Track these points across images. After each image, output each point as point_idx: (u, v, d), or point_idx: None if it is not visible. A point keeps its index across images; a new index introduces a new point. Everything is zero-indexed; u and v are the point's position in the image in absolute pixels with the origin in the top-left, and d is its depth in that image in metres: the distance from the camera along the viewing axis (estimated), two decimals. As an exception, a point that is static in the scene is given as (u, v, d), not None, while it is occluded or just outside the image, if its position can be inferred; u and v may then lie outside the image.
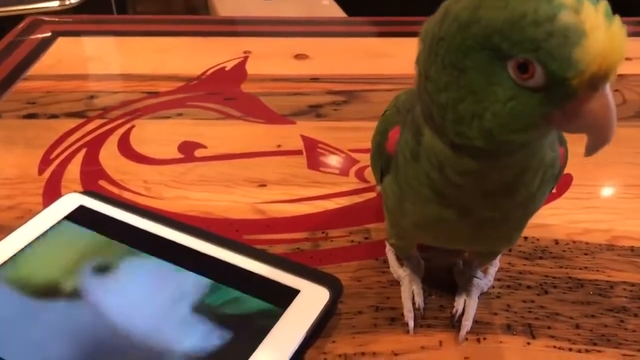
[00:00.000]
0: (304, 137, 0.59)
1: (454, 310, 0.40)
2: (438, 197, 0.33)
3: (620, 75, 0.69)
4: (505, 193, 0.32)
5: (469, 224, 0.34)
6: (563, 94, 0.25)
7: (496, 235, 0.36)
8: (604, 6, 0.25)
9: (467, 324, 0.39)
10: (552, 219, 0.48)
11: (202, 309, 0.38)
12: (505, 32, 0.25)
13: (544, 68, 0.25)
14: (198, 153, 0.57)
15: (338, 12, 1.62)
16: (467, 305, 0.40)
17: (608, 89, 0.25)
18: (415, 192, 0.34)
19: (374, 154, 0.39)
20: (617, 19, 0.25)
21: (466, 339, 0.39)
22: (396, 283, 0.42)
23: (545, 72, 0.25)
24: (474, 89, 0.27)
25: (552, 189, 0.36)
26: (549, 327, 0.39)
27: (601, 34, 0.24)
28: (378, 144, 0.38)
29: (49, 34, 0.81)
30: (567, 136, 0.35)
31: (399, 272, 0.42)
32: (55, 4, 1.54)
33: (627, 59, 0.77)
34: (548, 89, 0.25)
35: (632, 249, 0.46)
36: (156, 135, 0.60)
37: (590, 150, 0.27)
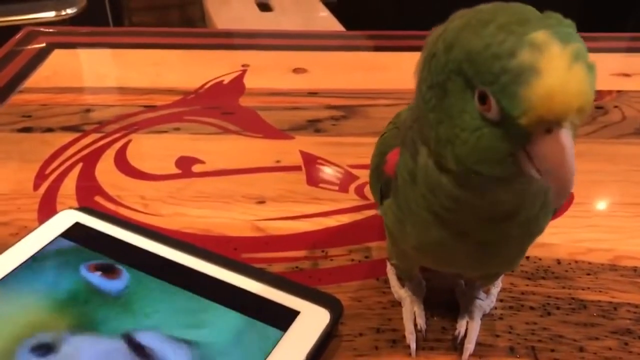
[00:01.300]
0: (302, 153, 0.59)
1: (456, 332, 0.39)
2: (436, 220, 0.32)
3: (619, 92, 0.69)
4: (504, 218, 0.31)
5: (469, 248, 0.33)
6: (518, 133, 0.24)
7: (498, 259, 0.36)
8: (576, 48, 0.23)
9: (469, 346, 0.38)
10: (553, 238, 0.47)
11: (199, 329, 0.37)
12: (472, 61, 0.25)
13: (497, 103, 0.24)
14: (196, 168, 0.56)
15: (335, 24, 1.62)
16: (470, 327, 0.39)
17: (565, 133, 0.24)
18: (414, 215, 0.33)
19: (373, 176, 0.39)
20: (585, 61, 0.23)
21: (469, 361, 0.38)
22: (397, 304, 0.42)
23: (499, 108, 0.24)
24: (450, 113, 0.27)
25: (555, 212, 0.35)
26: (552, 350, 0.39)
27: (556, 75, 0.23)
28: (376, 166, 0.37)
29: (45, 46, 0.81)
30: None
31: (401, 292, 0.42)
32: (52, 14, 1.54)
33: (626, 75, 0.77)
34: (505, 126, 0.25)
35: (635, 269, 0.45)
36: (153, 150, 0.59)
37: (553, 199, 0.26)
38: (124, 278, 0.41)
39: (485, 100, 0.25)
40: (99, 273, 0.41)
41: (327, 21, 1.65)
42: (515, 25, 0.24)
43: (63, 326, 0.37)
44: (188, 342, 0.37)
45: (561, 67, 0.23)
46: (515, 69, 0.23)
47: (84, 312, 0.38)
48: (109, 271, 0.42)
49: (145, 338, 0.37)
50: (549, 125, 0.24)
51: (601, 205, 0.53)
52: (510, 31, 0.24)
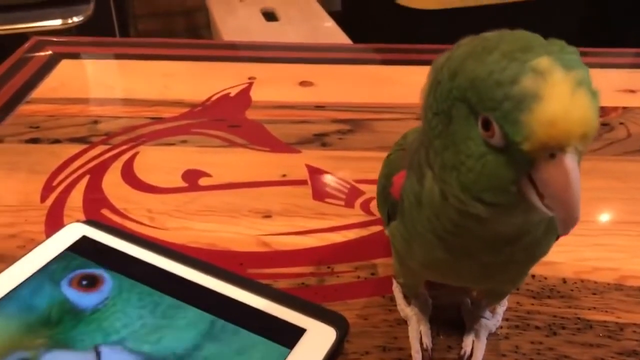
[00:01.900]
0: (309, 167, 0.59)
1: (462, 352, 0.39)
2: (441, 243, 0.32)
3: (625, 108, 0.69)
4: (506, 243, 0.31)
5: (473, 268, 0.33)
6: (522, 159, 0.25)
7: (503, 277, 0.36)
8: (579, 74, 0.24)
9: (475, 366, 0.38)
10: (559, 257, 0.47)
11: (203, 346, 0.38)
12: (475, 88, 0.25)
13: (500, 129, 0.24)
14: (202, 182, 0.56)
15: (340, 35, 1.63)
16: (476, 347, 0.39)
17: (569, 158, 0.24)
18: (420, 236, 0.33)
19: (380, 198, 0.39)
20: (588, 88, 0.24)
21: (475, 382, 0.38)
22: (403, 322, 0.42)
23: (502, 134, 0.24)
24: (455, 139, 0.27)
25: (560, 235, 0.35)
26: (558, 371, 0.39)
27: (558, 101, 0.23)
28: (383, 188, 0.37)
29: (52, 55, 0.81)
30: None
31: (407, 310, 0.42)
32: (58, 22, 1.55)
33: (631, 91, 0.77)
34: (509, 152, 0.25)
35: (641, 289, 0.45)
36: (160, 163, 0.59)
37: (559, 227, 0.25)
38: (105, 290, 0.41)
39: (489, 126, 0.25)
40: (77, 288, 0.41)
41: (332, 31, 1.66)
42: (518, 52, 0.24)
43: (39, 343, 0.38)
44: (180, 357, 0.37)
45: (563, 93, 0.23)
46: (517, 95, 0.24)
47: (59, 329, 0.39)
48: (90, 285, 0.42)
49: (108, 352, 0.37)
50: (552, 151, 0.24)
51: (607, 223, 0.53)
52: (514, 58, 0.24)
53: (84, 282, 0.42)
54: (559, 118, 0.23)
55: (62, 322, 0.39)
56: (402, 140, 0.39)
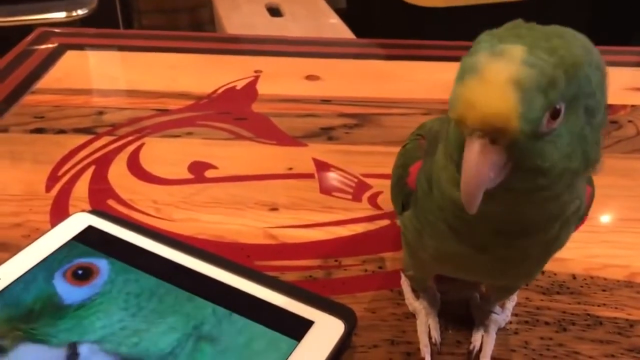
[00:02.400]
0: (315, 160, 0.58)
1: (471, 347, 0.39)
2: (452, 232, 0.32)
3: (633, 106, 0.69)
4: (519, 235, 0.31)
5: (487, 261, 0.33)
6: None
7: (516, 271, 0.35)
8: (513, 69, 0.23)
9: (485, 361, 0.38)
10: (569, 253, 0.46)
11: (211, 338, 0.37)
12: None
13: None
14: (208, 174, 0.56)
15: (345, 31, 1.62)
16: (485, 342, 0.39)
17: (476, 142, 0.24)
18: (432, 227, 0.33)
19: (395, 187, 0.39)
20: (515, 83, 0.23)
21: (484, 377, 0.38)
22: (412, 316, 0.41)
23: None
24: None
25: (577, 227, 0.35)
26: (568, 367, 0.38)
27: (471, 86, 0.24)
28: (399, 178, 0.37)
29: (57, 47, 0.81)
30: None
31: (415, 304, 0.41)
32: (62, 14, 1.55)
33: (639, 89, 0.76)
34: None
35: (651, 286, 0.45)
36: (166, 155, 0.59)
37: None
38: (98, 284, 0.41)
39: None
40: (70, 281, 0.41)
41: (337, 27, 1.65)
42: (503, 36, 0.25)
43: (17, 334, 0.37)
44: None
45: (484, 78, 0.24)
46: (463, 66, 0.25)
47: (40, 322, 0.38)
48: (84, 277, 0.41)
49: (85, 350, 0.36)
50: (469, 132, 0.25)
51: (616, 220, 0.53)
52: (496, 38, 0.25)
53: (80, 272, 0.41)
54: (466, 98, 0.24)
55: (43, 317, 0.38)
56: (419, 130, 0.38)
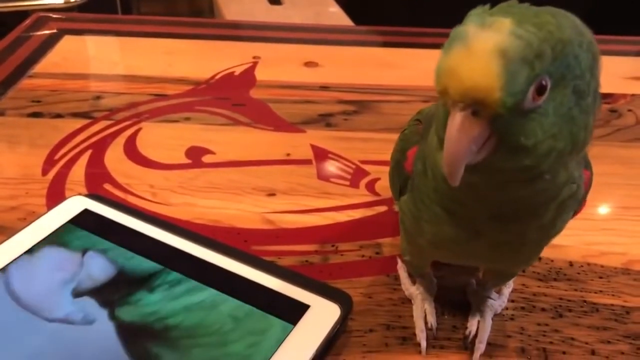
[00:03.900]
0: (313, 147, 0.58)
1: (467, 332, 0.39)
2: (448, 216, 0.32)
3: (633, 95, 0.69)
4: (514, 219, 0.30)
5: (483, 245, 0.33)
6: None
7: (513, 257, 0.35)
8: (503, 40, 0.23)
9: (480, 346, 0.38)
10: (566, 240, 0.47)
11: (206, 321, 0.37)
12: None
13: None
14: (206, 159, 0.56)
15: (345, 20, 1.62)
16: (481, 327, 0.39)
17: (458, 115, 0.24)
18: (428, 210, 0.33)
19: (393, 172, 0.39)
20: (505, 56, 0.23)
21: (480, 361, 0.38)
22: (408, 301, 0.41)
23: None
24: None
25: (576, 213, 0.35)
26: (564, 353, 0.38)
27: (453, 57, 0.24)
28: (397, 162, 0.37)
29: (55, 32, 0.80)
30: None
31: (411, 290, 0.41)
32: (60, 0, 1.53)
33: (639, 78, 0.76)
34: None
35: (648, 274, 0.45)
36: (163, 139, 0.59)
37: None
38: None
39: None
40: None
41: (336, 16, 1.65)
42: (495, 11, 0.25)
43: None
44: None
45: (469, 48, 0.23)
46: (450, 36, 0.25)
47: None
48: None
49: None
50: (451, 103, 0.24)
51: (615, 208, 0.53)
52: (487, 12, 0.25)
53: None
54: (446, 70, 0.24)
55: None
56: (418, 115, 0.38)
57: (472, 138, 0.24)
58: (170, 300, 0.38)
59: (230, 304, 0.38)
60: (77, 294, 0.37)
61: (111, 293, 0.38)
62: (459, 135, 0.24)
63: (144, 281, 0.39)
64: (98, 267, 0.39)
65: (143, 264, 0.40)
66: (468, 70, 0.23)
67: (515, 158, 0.26)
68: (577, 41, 0.25)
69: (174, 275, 0.40)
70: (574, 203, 0.32)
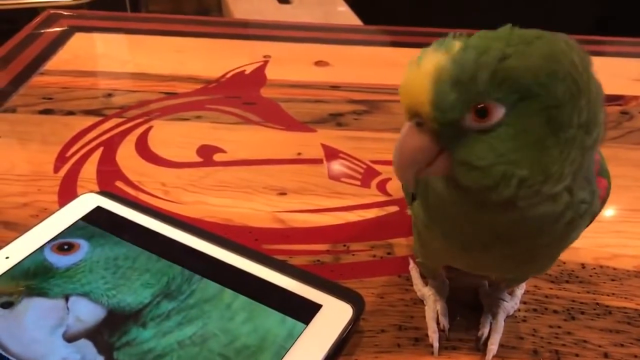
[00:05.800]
0: (324, 146, 0.58)
1: (480, 333, 0.39)
2: (456, 232, 0.32)
3: (635, 97, 0.68)
4: (516, 239, 0.31)
5: (495, 257, 0.33)
6: None
7: (526, 267, 0.35)
8: (441, 60, 0.25)
9: (493, 347, 0.38)
10: (578, 242, 0.45)
11: (218, 319, 0.37)
12: None
13: None
14: (217, 157, 0.56)
15: (354, 19, 1.62)
16: (493, 329, 0.39)
17: (408, 126, 0.27)
18: (439, 216, 0.33)
19: None
20: (447, 75, 0.25)
21: (492, 363, 0.38)
22: (420, 302, 0.41)
23: None
24: None
25: (591, 222, 0.34)
26: (576, 355, 0.38)
27: (410, 71, 0.26)
28: None
29: (66, 29, 0.80)
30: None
31: (424, 290, 0.41)
32: (70, -2, 1.54)
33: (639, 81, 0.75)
34: None
35: (661, 277, 0.44)
36: (174, 138, 0.59)
37: None
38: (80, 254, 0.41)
39: None
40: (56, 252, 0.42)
41: (345, 15, 1.64)
42: (466, 37, 0.27)
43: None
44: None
45: (418, 66, 0.26)
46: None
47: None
48: (66, 249, 0.42)
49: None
50: (404, 115, 0.27)
51: (627, 211, 0.52)
52: (464, 36, 0.27)
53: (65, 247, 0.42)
54: (401, 85, 0.27)
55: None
56: None
57: (416, 147, 0.27)
58: (163, 336, 0.36)
59: (242, 303, 0.38)
60: (70, 337, 0.36)
61: (104, 334, 0.36)
62: (404, 140, 0.27)
63: (135, 317, 0.37)
64: (85, 310, 0.37)
65: (128, 298, 0.38)
66: (411, 86, 0.26)
67: (470, 175, 0.27)
68: (547, 71, 0.25)
69: (164, 306, 0.38)
70: (588, 218, 0.32)
